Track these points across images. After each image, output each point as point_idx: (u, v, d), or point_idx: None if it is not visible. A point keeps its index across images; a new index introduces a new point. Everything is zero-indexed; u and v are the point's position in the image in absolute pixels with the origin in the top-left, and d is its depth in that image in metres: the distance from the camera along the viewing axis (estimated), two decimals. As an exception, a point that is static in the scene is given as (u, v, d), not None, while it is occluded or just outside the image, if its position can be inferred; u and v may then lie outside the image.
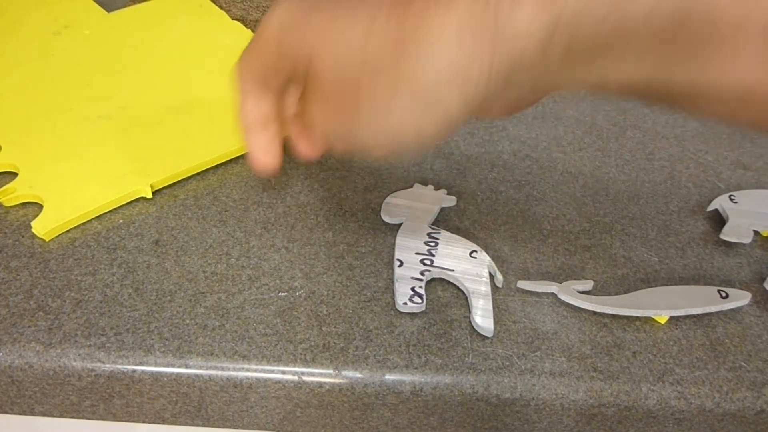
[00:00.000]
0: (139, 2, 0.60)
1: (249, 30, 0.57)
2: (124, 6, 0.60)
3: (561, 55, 0.25)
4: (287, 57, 0.30)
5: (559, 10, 0.24)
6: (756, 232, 0.43)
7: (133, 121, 0.46)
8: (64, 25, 0.55)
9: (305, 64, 0.29)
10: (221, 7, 0.60)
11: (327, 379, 0.33)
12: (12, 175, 0.42)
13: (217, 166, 0.45)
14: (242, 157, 0.45)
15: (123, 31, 0.56)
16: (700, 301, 0.37)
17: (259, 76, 0.32)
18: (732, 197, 0.44)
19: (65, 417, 0.36)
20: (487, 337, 0.35)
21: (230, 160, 0.45)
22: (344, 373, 0.33)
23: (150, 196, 0.42)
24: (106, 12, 0.58)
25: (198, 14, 0.59)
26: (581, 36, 0.24)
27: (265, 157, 0.33)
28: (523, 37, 0.24)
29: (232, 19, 0.58)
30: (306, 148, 0.34)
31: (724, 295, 0.37)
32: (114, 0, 0.59)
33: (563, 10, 0.24)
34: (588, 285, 0.38)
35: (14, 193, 0.40)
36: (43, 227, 0.39)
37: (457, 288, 0.38)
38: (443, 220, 0.42)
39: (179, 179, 0.43)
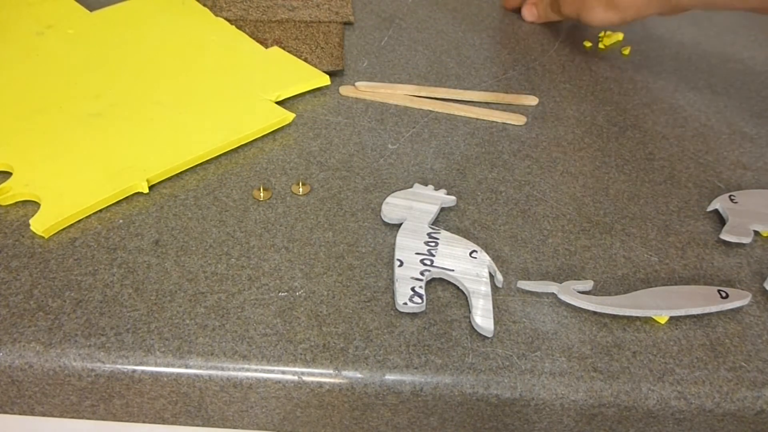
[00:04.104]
0: (121, 0, 0.60)
1: (238, 29, 0.57)
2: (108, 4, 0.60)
3: None
4: None
5: None
6: (756, 232, 0.43)
7: (124, 118, 0.47)
8: (47, 25, 0.55)
9: None
10: (221, 8, 0.60)
11: (327, 379, 0.33)
12: (6, 174, 0.42)
13: (217, 166, 0.45)
14: (242, 156, 0.45)
15: (107, 29, 0.56)
16: (700, 301, 0.37)
17: None
18: (732, 197, 0.44)
19: (65, 417, 0.36)
20: (487, 337, 0.35)
21: (230, 159, 0.45)
22: (344, 373, 0.33)
23: (146, 190, 0.42)
24: (88, 11, 0.58)
25: (180, 12, 0.59)
26: None
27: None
28: None
29: (232, 19, 0.58)
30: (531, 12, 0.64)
31: (724, 295, 0.37)
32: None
33: None
34: (588, 285, 0.38)
35: (10, 192, 0.40)
36: (41, 225, 0.39)
37: (457, 288, 0.38)
38: (443, 220, 0.42)
39: (175, 173, 0.43)
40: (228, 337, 0.34)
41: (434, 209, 0.41)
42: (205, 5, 0.60)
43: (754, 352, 0.36)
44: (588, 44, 0.62)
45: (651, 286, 0.39)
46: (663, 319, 0.37)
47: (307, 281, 0.38)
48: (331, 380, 0.33)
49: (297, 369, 0.33)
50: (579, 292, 0.37)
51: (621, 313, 0.37)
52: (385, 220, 0.41)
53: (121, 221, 0.40)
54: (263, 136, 0.47)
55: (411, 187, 0.43)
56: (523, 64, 0.58)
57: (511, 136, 0.50)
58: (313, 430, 0.36)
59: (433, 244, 0.39)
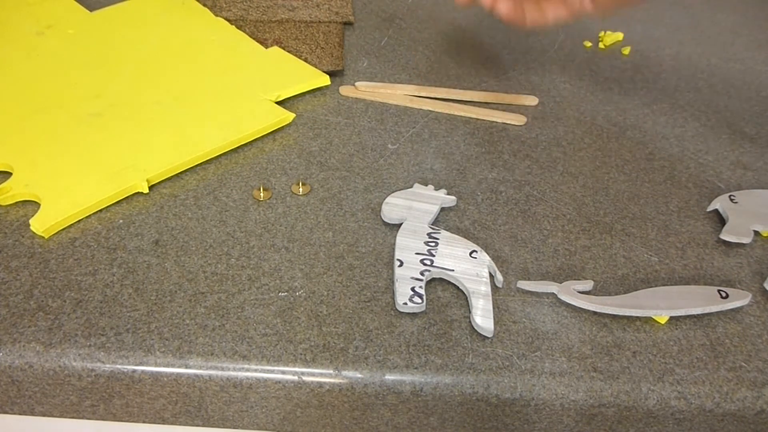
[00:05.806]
0: (121, 0, 0.60)
1: (238, 29, 0.57)
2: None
3: None
4: None
5: None
6: (756, 232, 0.43)
7: (124, 117, 0.47)
8: (47, 26, 0.56)
9: None
10: (221, 8, 0.60)
11: (327, 379, 0.33)
12: (6, 174, 0.42)
13: (217, 166, 0.45)
14: (242, 156, 0.45)
15: (107, 29, 0.56)
16: (700, 301, 0.37)
17: None
18: (732, 197, 0.44)
19: (65, 417, 0.36)
20: (487, 337, 0.35)
21: (230, 159, 0.45)
22: (344, 373, 0.33)
23: (146, 190, 0.42)
24: (88, 11, 0.58)
25: (180, 12, 0.59)
26: None
27: None
28: None
29: (232, 19, 0.58)
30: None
31: (724, 295, 0.37)
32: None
33: None
34: (588, 285, 0.38)
35: (10, 192, 0.40)
36: (41, 224, 0.39)
37: (457, 288, 0.38)
38: (443, 220, 0.42)
39: (175, 173, 0.43)
40: (228, 337, 0.34)
41: (434, 209, 0.41)
42: (205, 5, 0.60)
43: (754, 352, 0.36)
44: (588, 44, 0.62)
45: (651, 286, 0.39)
46: (663, 319, 0.37)
47: (307, 281, 0.38)
48: (331, 380, 0.33)
49: (297, 369, 0.33)
50: (579, 292, 0.37)
51: (621, 313, 0.37)
52: (385, 220, 0.41)
53: (121, 221, 0.40)
54: (263, 136, 0.47)
55: (411, 187, 0.43)
56: (523, 64, 0.58)
57: (511, 136, 0.50)
58: (313, 430, 0.36)
59: (433, 244, 0.39)
